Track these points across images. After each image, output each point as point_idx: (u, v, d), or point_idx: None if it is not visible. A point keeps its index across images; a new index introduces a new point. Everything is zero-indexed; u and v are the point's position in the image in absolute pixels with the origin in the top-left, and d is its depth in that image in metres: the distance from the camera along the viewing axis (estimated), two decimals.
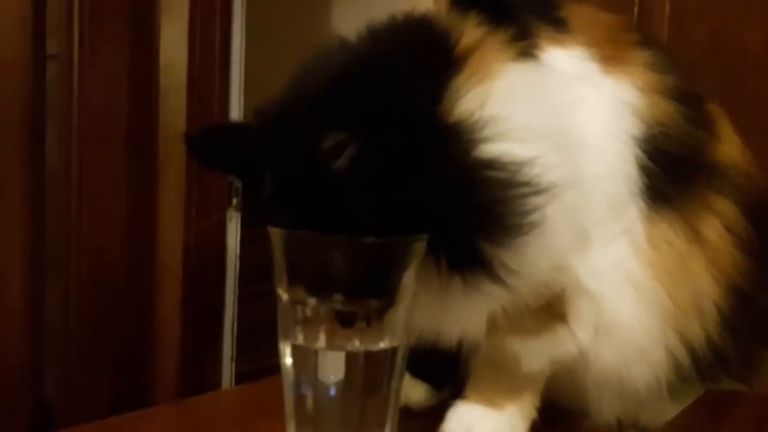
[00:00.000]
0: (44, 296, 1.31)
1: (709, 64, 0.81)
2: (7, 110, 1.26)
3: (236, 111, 1.34)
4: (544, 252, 0.46)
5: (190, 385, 1.33)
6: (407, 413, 0.58)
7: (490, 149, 0.45)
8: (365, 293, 0.46)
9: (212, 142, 0.50)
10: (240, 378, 1.43)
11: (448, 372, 0.58)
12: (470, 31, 0.49)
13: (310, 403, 0.48)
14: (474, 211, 0.45)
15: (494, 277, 0.45)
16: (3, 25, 1.23)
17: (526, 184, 0.45)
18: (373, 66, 0.47)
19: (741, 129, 0.60)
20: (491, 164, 0.45)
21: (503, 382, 0.54)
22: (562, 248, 0.48)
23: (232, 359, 1.41)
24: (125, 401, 1.31)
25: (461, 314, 0.49)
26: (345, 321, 0.46)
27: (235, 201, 1.33)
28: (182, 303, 1.31)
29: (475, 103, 0.46)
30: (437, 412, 0.56)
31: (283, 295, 0.48)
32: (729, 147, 0.57)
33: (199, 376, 1.36)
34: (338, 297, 0.46)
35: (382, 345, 0.48)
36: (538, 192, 0.45)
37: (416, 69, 0.47)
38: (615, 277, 0.52)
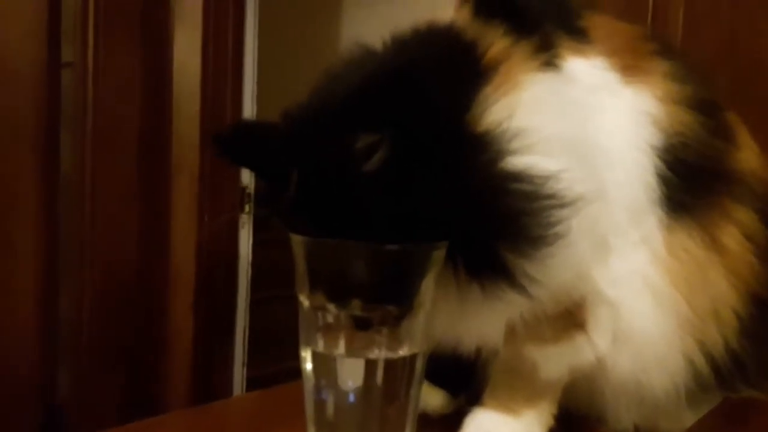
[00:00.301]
0: (57, 301, 1.33)
1: (722, 68, 0.81)
2: (22, 117, 1.28)
3: (249, 116, 1.35)
4: (566, 262, 0.47)
5: (201, 390, 1.34)
6: (425, 419, 0.58)
7: (517, 162, 0.46)
8: (385, 299, 0.46)
9: (240, 141, 0.50)
10: (251, 382, 1.43)
11: (466, 379, 0.58)
12: (497, 42, 0.50)
13: (330, 408, 0.48)
14: (499, 220, 0.45)
15: (516, 285, 0.46)
16: (19, 34, 1.25)
17: (552, 196, 0.45)
18: (403, 72, 0.47)
19: (755, 132, 0.60)
20: (518, 176, 0.45)
21: (521, 389, 0.54)
22: (583, 258, 0.49)
23: (243, 364, 1.42)
24: (136, 405, 1.32)
25: (479, 321, 0.49)
26: (362, 325, 0.47)
27: (247, 207, 1.33)
28: (194, 308, 1.32)
29: (503, 113, 0.46)
30: (455, 419, 0.56)
31: (305, 302, 0.48)
32: (747, 155, 0.57)
33: (210, 380, 1.37)
34: (357, 303, 0.47)
35: (402, 352, 0.48)
36: (563, 205, 0.45)
37: (445, 77, 0.48)
38: (634, 284, 0.52)
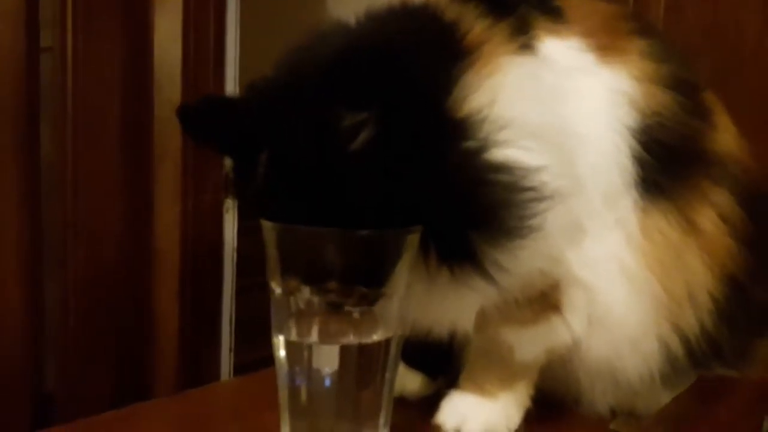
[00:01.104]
0: (42, 290, 1.31)
1: (705, 49, 0.81)
2: (1, 103, 1.26)
3: None
4: (537, 253, 0.47)
5: (189, 376, 1.33)
6: (402, 403, 0.58)
7: (498, 153, 0.45)
8: (359, 282, 0.46)
9: (207, 116, 0.47)
10: (239, 368, 1.43)
11: (443, 362, 0.58)
12: (476, 23, 0.49)
13: (304, 395, 0.48)
14: (476, 209, 0.45)
15: (484, 273, 0.45)
16: None
17: (531, 189, 0.45)
18: (387, 49, 0.46)
19: (737, 115, 0.60)
20: (499, 167, 0.45)
21: (497, 371, 0.54)
22: (555, 248, 0.48)
23: (230, 350, 1.42)
24: (125, 392, 1.32)
25: (450, 307, 0.49)
26: (334, 306, 0.46)
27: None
28: (179, 295, 1.31)
29: (484, 99, 0.46)
30: (432, 402, 0.56)
31: (276, 289, 0.48)
32: (725, 136, 0.57)
33: (197, 367, 1.37)
34: (332, 284, 0.46)
35: (376, 337, 0.48)
36: (541, 198, 0.45)
37: (427, 58, 0.47)
38: (608, 267, 0.52)
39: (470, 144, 0.45)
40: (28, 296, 1.28)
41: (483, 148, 0.45)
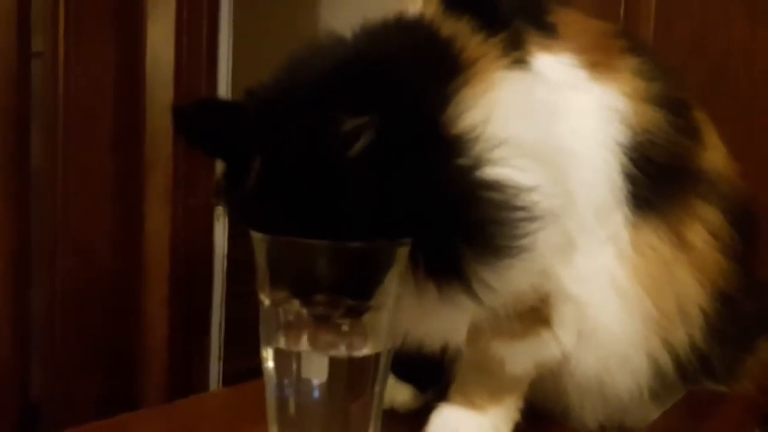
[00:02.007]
0: (30, 297, 1.30)
1: (694, 63, 0.81)
2: None
3: None
4: (525, 274, 0.47)
5: (178, 385, 1.33)
6: (392, 415, 0.58)
7: (491, 171, 0.45)
8: (348, 294, 0.46)
9: (201, 118, 0.46)
10: (228, 377, 1.42)
11: (434, 374, 0.58)
12: (471, 39, 0.49)
13: (292, 407, 0.48)
14: (466, 226, 0.45)
15: (470, 291, 0.45)
16: None
17: (522, 208, 0.45)
18: (385, 59, 0.46)
19: (726, 127, 0.60)
20: (490, 185, 0.45)
21: (487, 384, 0.54)
22: (543, 269, 0.48)
23: (219, 358, 1.41)
24: (113, 401, 1.31)
25: (440, 321, 0.49)
26: (322, 319, 0.46)
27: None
28: (169, 302, 1.31)
29: (478, 117, 0.46)
30: (422, 415, 0.56)
31: (265, 300, 0.48)
32: (714, 154, 0.57)
33: (186, 375, 1.36)
34: (320, 297, 0.46)
35: (366, 350, 0.48)
36: (532, 218, 0.45)
37: (424, 72, 0.47)
38: (599, 283, 0.52)
39: (463, 161, 0.45)
40: (14, 304, 1.27)
41: (476, 165, 0.45)
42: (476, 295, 0.46)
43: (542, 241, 0.46)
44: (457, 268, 0.45)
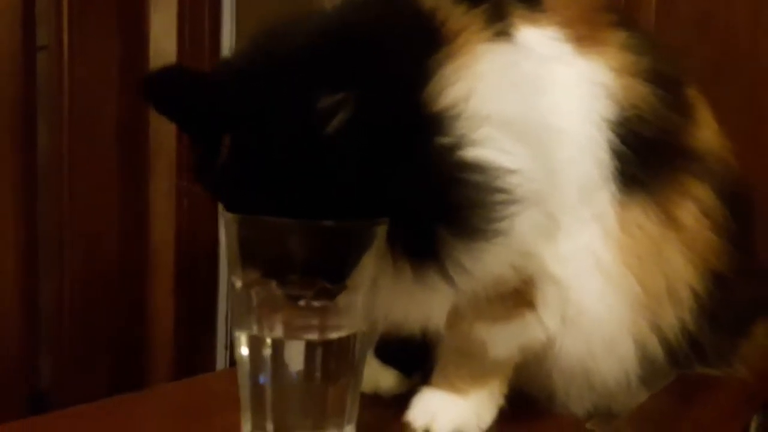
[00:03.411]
0: (38, 288, 1.31)
1: (698, 43, 0.79)
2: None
3: None
4: (501, 258, 0.46)
5: (185, 374, 1.33)
6: (377, 400, 0.57)
7: (472, 151, 0.44)
8: (322, 275, 0.45)
9: (171, 88, 0.43)
10: (234, 365, 1.42)
11: (419, 358, 0.57)
12: (453, 11, 0.48)
13: (267, 393, 0.47)
14: (443, 206, 0.44)
15: (445, 273, 0.44)
16: None
17: (502, 191, 0.44)
18: (365, 31, 0.45)
19: (729, 109, 0.59)
20: (471, 166, 0.43)
21: (469, 368, 0.53)
22: (526, 250, 0.47)
23: (226, 347, 1.42)
24: (121, 389, 1.32)
25: (416, 303, 0.48)
26: (294, 299, 0.45)
27: None
28: (175, 292, 1.31)
29: (460, 93, 0.44)
30: (407, 399, 0.55)
31: (237, 282, 0.47)
32: (706, 132, 0.56)
33: (193, 364, 1.36)
34: (294, 277, 0.45)
35: (342, 332, 0.47)
36: (512, 201, 0.44)
37: (405, 45, 0.45)
38: (583, 263, 0.51)
39: (444, 140, 0.43)
40: (23, 295, 1.28)
41: (457, 145, 0.43)
42: (451, 278, 0.45)
43: (521, 224, 0.45)
44: (433, 250, 0.44)
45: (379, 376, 0.58)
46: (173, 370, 1.31)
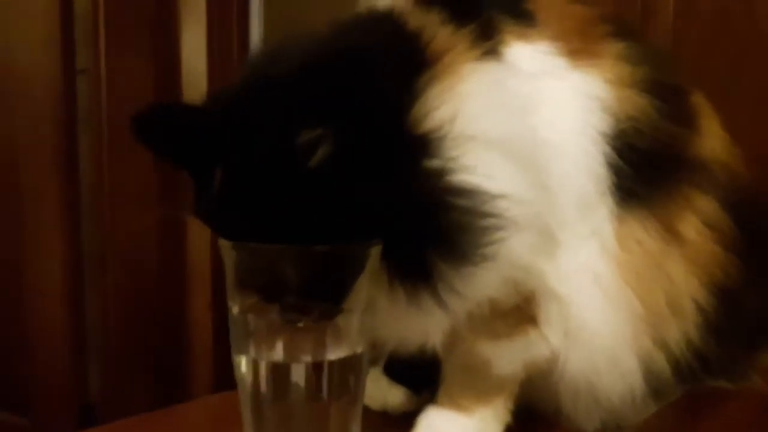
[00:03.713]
0: (84, 304, 1.37)
1: (716, 44, 0.77)
2: (42, 125, 1.32)
3: None
4: (493, 280, 0.45)
5: (225, 383, 1.36)
6: (385, 418, 0.58)
7: (459, 175, 0.44)
8: (317, 298, 0.46)
9: (160, 126, 0.43)
10: None
11: (429, 377, 0.57)
12: (439, 31, 0.48)
13: (268, 413, 0.48)
14: (432, 231, 0.44)
15: (437, 297, 0.44)
16: (34, 44, 1.29)
17: (490, 215, 0.44)
18: (345, 59, 0.45)
19: (749, 104, 0.57)
20: (458, 191, 0.43)
21: (472, 385, 0.53)
22: (515, 273, 0.47)
23: None
24: (163, 401, 1.36)
25: (411, 323, 0.48)
26: (292, 322, 0.46)
27: None
28: (212, 306, 1.34)
29: (445, 114, 0.44)
30: (415, 417, 0.55)
31: (234, 307, 0.48)
32: (711, 141, 0.54)
33: (231, 375, 1.39)
34: (291, 300, 0.46)
35: (341, 354, 0.48)
36: (500, 226, 0.44)
37: (389, 69, 0.45)
38: (582, 280, 0.50)
39: (431, 163, 0.44)
40: (70, 311, 1.34)
41: (444, 168, 0.44)
42: (443, 301, 0.45)
43: (511, 247, 0.44)
44: (424, 274, 0.44)
45: (388, 394, 0.59)
46: (212, 380, 1.35)
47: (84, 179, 1.37)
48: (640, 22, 0.80)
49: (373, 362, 0.61)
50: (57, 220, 1.37)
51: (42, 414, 1.38)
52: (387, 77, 0.45)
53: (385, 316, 0.48)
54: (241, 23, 1.29)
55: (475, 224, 0.43)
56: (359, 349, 0.48)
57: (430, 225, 0.44)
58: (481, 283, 0.45)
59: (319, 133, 0.42)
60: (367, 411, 0.57)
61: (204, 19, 1.24)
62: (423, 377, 0.58)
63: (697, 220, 0.51)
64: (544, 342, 0.51)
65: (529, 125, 0.47)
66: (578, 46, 0.51)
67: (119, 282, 1.38)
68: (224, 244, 0.47)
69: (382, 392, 0.59)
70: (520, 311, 0.50)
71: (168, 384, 1.39)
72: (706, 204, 0.52)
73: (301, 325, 0.47)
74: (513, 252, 0.45)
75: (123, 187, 1.37)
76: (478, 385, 0.53)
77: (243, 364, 0.48)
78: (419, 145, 0.44)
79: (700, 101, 0.55)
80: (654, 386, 0.52)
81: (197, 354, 1.37)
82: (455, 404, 0.53)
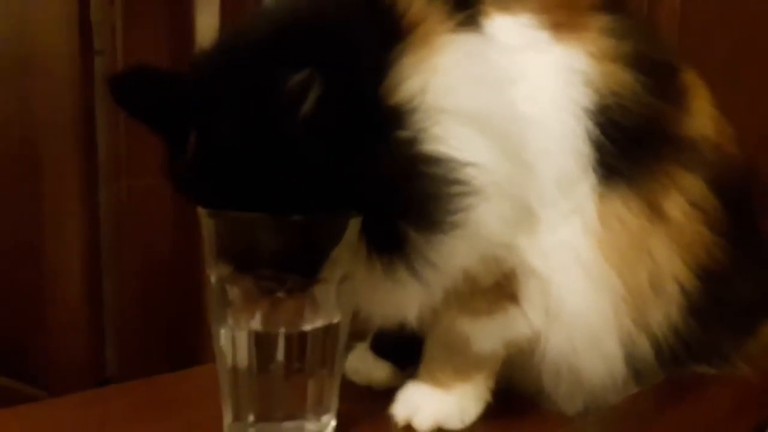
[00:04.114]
0: (101, 282, 1.39)
1: (724, 26, 0.75)
2: (61, 105, 1.34)
3: None
4: (466, 250, 0.45)
5: None
6: (370, 392, 0.58)
7: (428, 145, 0.43)
8: (292, 268, 0.46)
9: (137, 87, 0.43)
10: None
11: (414, 353, 0.57)
12: (415, 2, 0.47)
13: (246, 385, 0.48)
14: (404, 200, 0.44)
15: (411, 268, 0.44)
16: (52, 25, 1.31)
17: (459, 182, 0.43)
18: (320, 20, 0.44)
19: (756, 88, 0.55)
20: (427, 159, 0.43)
21: (453, 362, 0.53)
22: (490, 246, 0.46)
23: None
24: None
25: (388, 298, 0.48)
26: (267, 292, 0.46)
27: None
28: None
29: (417, 85, 0.44)
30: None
31: (212, 277, 0.48)
32: (700, 120, 0.53)
33: None
34: (267, 271, 0.46)
35: (317, 324, 0.48)
36: (468, 193, 0.44)
37: (363, 35, 0.45)
38: (563, 257, 0.49)
39: (402, 134, 0.43)
40: (88, 289, 1.37)
41: (414, 138, 0.43)
42: (417, 272, 0.45)
43: (481, 215, 0.44)
44: (397, 244, 0.44)
45: (373, 369, 0.59)
46: None
47: (101, 160, 1.39)
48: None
49: (360, 338, 0.61)
50: (77, 199, 1.39)
51: (61, 387, 1.41)
52: (362, 44, 0.44)
53: (364, 290, 0.48)
54: (255, 6, 1.30)
55: (443, 191, 0.43)
56: (335, 320, 0.48)
57: (400, 194, 0.44)
58: (453, 253, 0.44)
59: (307, 73, 0.40)
60: (351, 385, 0.58)
61: (218, 1, 1.24)
62: (408, 354, 0.58)
63: (683, 199, 0.50)
64: (524, 320, 0.51)
65: (505, 99, 0.47)
66: (562, 19, 0.50)
67: (135, 261, 1.41)
68: (201, 212, 0.47)
69: (367, 368, 0.59)
70: (500, 288, 0.50)
71: (182, 359, 1.41)
72: (693, 183, 0.51)
73: (280, 295, 0.47)
74: (482, 221, 0.44)
75: (139, 168, 1.39)
76: (457, 362, 0.53)
77: (221, 334, 0.49)
78: (390, 116, 0.43)
79: (691, 78, 0.54)
80: (636, 369, 0.51)
81: (209, 332, 1.39)
82: (434, 380, 0.53)
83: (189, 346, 1.39)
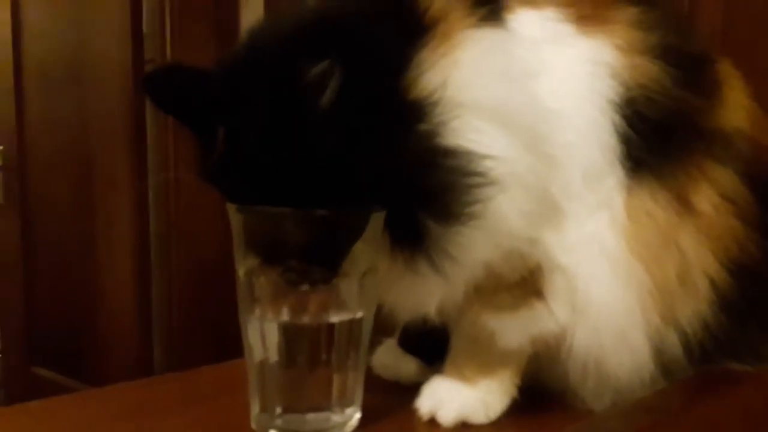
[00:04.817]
0: (150, 281, 1.44)
1: (740, 15, 0.73)
2: (113, 113, 1.39)
3: None
4: (485, 242, 0.45)
5: None
6: (397, 387, 0.58)
7: (447, 138, 0.44)
8: (316, 260, 0.46)
9: (170, 85, 0.45)
10: None
11: (441, 348, 0.57)
12: None
13: (274, 377, 0.49)
14: (421, 192, 0.44)
15: (431, 261, 0.44)
16: (106, 35, 1.36)
17: (476, 174, 0.44)
18: (343, 16, 0.45)
19: None
20: (447, 152, 0.44)
21: (478, 357, 0.52)
22: (510, 238, 0.46)
23: None
24: None
25: (410, 291, 0.48)
26: (293, 285, 0.47)
27: None
28: None
29: (437, 80, 0.44)
30: None
31: (240, 270, 0.50)
32: (734, 112, 0.51)
33: None
34: (292, 263, 0.47)
35: (343, 317, 0.49)
36: (485, 184, 0.44)
37: (385, 32, 0.45)
38: (589, 252, 0.49)
39: (422, 127, 0.44)
40: (138, 289, 1.41)
41: (433, 132, 0.44)
42: (437, 265, 0.45)
43: (499, 207, 0.44)
44: (417, 236, 0.45)
45: (401, 365, 0.59)
46: None
47: (151, 162, 1.43)
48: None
49: (388, 333, 0.61)
50: (126, 203, 1.44)
51: (111, 384, 1.45)
52: (385, 40, 0.45)
53: (387, 283, 0.49)
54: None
55: (460, 182, 0.43)
56: (359, 314, 0.49)
57: (418, 185, 0.44)
58: (472, 246, 0.45)
59: (326, 64, 0.42)
60: (377, 379, 0.58)
61: (262, 6, 1.27)
62: (435, 349, 0.58)
63: (713, 192, 0.49)
64: (550, 316, 0.50)
65: (527, 93, 0.47)
66: (587, 12, 0.50)
67: (183, 261, 1.45)
68: (230, 207, 0.48)
69: (395, 363, 0.59)
70: (525, 284, 0.50)
71: (230, 356, 1.44)
72: (724, 176, 0.50)
73: (305, 288, 0.48)
74: (501, 212, 0.44)
75: (187, 169, 1.42)
76: (482, 357, 0.52)
77: (249, 328, 0.50)
78: (411, 110, 0.44)
79: (725, 70, 0.53)
80: (664, 365, 0.50)
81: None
82: (460, 374, 0.53)
83: (236, 343, 1.42)
